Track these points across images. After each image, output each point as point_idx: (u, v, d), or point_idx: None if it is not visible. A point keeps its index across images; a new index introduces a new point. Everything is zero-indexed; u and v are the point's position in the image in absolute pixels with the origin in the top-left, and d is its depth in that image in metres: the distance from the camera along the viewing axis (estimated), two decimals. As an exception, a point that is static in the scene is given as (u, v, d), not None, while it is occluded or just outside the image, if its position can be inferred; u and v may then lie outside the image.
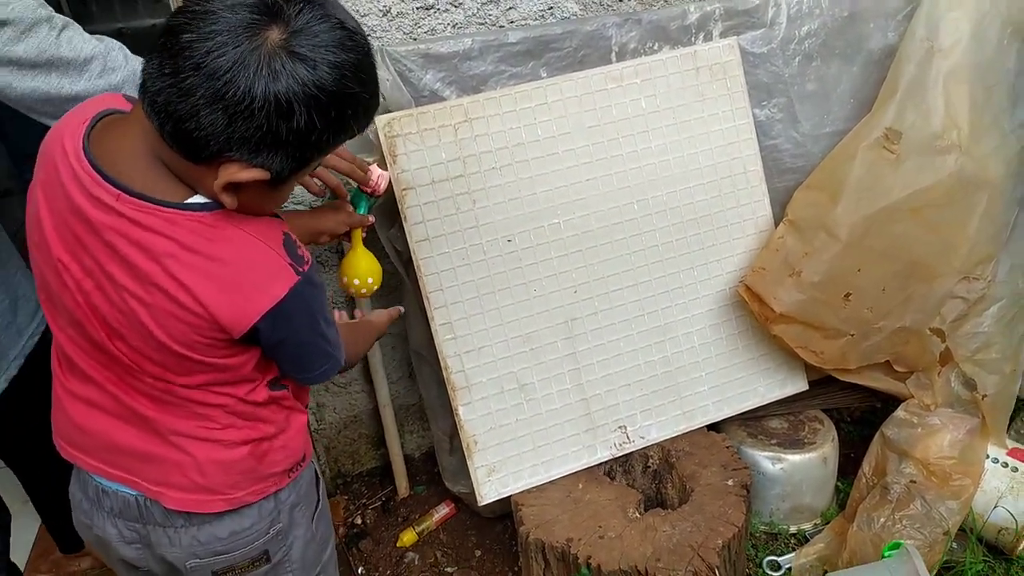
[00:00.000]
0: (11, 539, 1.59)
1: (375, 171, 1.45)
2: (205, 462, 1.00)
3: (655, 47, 1.70)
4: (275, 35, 0.78)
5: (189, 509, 1.02)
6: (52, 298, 0.96)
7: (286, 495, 1.10)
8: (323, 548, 1.20)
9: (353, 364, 1.29)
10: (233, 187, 0.84)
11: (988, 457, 1.77)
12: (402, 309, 1.46)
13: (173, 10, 0.82)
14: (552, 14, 1.78)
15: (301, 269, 0.92)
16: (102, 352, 0.95)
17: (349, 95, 0.83)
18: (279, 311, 0.90)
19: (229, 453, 1.01)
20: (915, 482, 1.74)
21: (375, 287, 1.47)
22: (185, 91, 0.77)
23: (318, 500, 1.18)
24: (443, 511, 2.02)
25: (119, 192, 0.85)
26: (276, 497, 1.08)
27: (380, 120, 1.50)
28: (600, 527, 1.55)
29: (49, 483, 1.67)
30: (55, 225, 0.90)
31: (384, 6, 1.65)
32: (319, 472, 1.20)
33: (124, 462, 1.02)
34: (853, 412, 2.20)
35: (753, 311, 1.70)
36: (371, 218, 1.46)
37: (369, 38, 1.66)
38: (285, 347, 0.97)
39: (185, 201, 0.87)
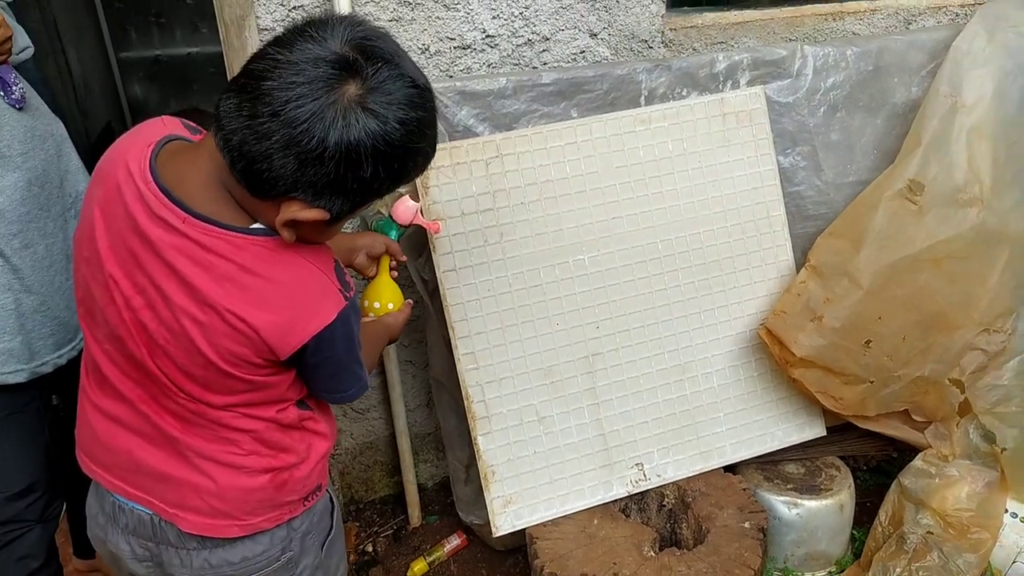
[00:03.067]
0: None
1: (406, 201, 1.49)
2: (226, 487, 1.02)
3: (684, 93, 1.75)
4: (352, 90, 0.82)
5: (204, 533, 1.03)
6: (94, 312, 0.98)
7: (300, 522, 1.11)
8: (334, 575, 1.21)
9: (370, 369, 1.31)
10: (293, 223, 0.88)
11: (1007, 511, 1.76)
12: (412, 302, 1.46)
13: (253, 53, 0.87)
14: (584, 57, 1.84)
15: (348, 295, 0.97)
16: (139, 369, 0.97)
17: (413, 149, 0.88)
18: (326, 335, 0.94)
19: (250, 480, 1.03)
20: (932, 533, 1.73)
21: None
22: (261, 135, 0.82)
23: (331, 528, 1.18)
24: (455, 542, 2.02)
25: (186, 215, 0.89)
26: (290, 524, 1.09)
27: (415, 153, 1.55)
28: (615, 564, 1.54)
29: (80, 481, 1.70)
30: (111, 242, 0.93)
31: (423, 44, 1.71)
32: (334, 499, 1.21)
33: (144, 482, 1.04)
34: (869, 460, 2.19)
35: (773, 354, 1.71)
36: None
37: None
38: (323, 367, 1.00)
39: (248, 227, 0.91)
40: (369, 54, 0.84)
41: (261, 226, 0.92)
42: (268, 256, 0.91)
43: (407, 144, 0.86)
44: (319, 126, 0.81)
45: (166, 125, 0.98)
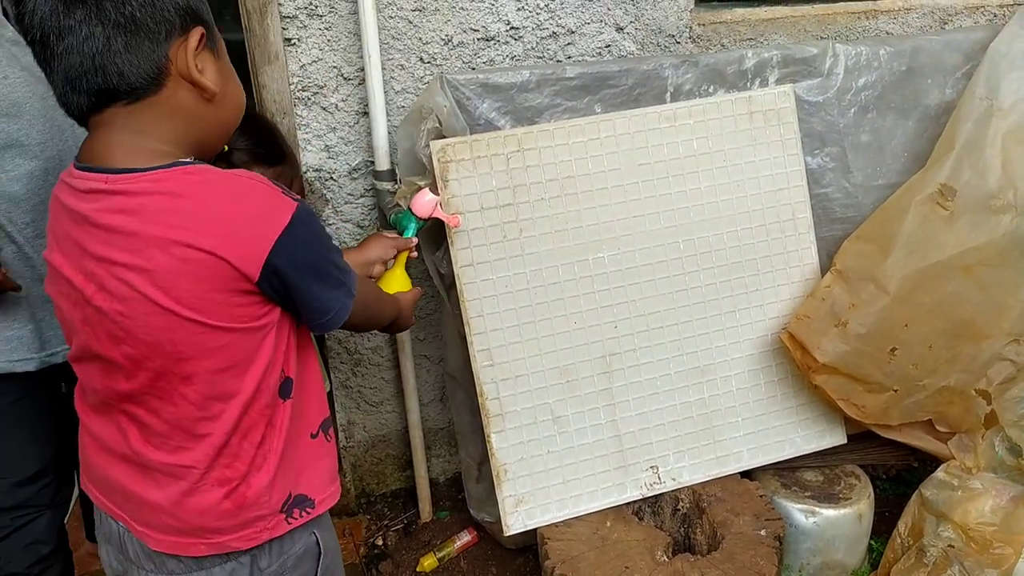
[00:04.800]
0: None
1: (426, 194, 1.47)
2: (176, 505, 0.96)
3: (710, 90, 1.71)
4: None
5: (171, 551, 0.98)
6: (70, 330, 0.96)
7: (267, 563, 1.01)
8: None
9: (369, 322, 1.22)
10: (196, 67, 0.89)
11: (1031, 527, 1.72)
12: (421, 290, 1.42)
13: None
14: (609, 52, 1.81)
15: (294, 196, 0.92)
16: (105, 369, 0.93)
17: None
18: (289, 237, 0.88)
19: (203, 498, 0.96)
20: (953, 547, 1.68)
21: None
22: (83, 57, 0.84)
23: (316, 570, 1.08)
24: (465, 538, 2.00)
25: (106, 175, 0.87)
26: (254, 562, 1.00)
27: (435, 145, 1.53)
28: (627, 568, 1.52)
29: None
30: (63, 251, 0.92)
31: (446, 35, 1.69)
32: (322, 545, 1.07)
33: (115, 497, 1.01)
34: (889, 469, 2.15)
35: (795, 359, 1.67)
36: (415, 240, 1.48)
37: (430, 65, 1.71)
38: (300, 277, 0.92)
39: (168, 163, 0.88)
40: None
41: (181, 160, 0.89)
42: (197, 179, 0.87)
43: None
44: (85, 9, 0.82)
45: None
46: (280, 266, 0.88)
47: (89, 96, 0.86)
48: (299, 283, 0.92)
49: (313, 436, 1.05)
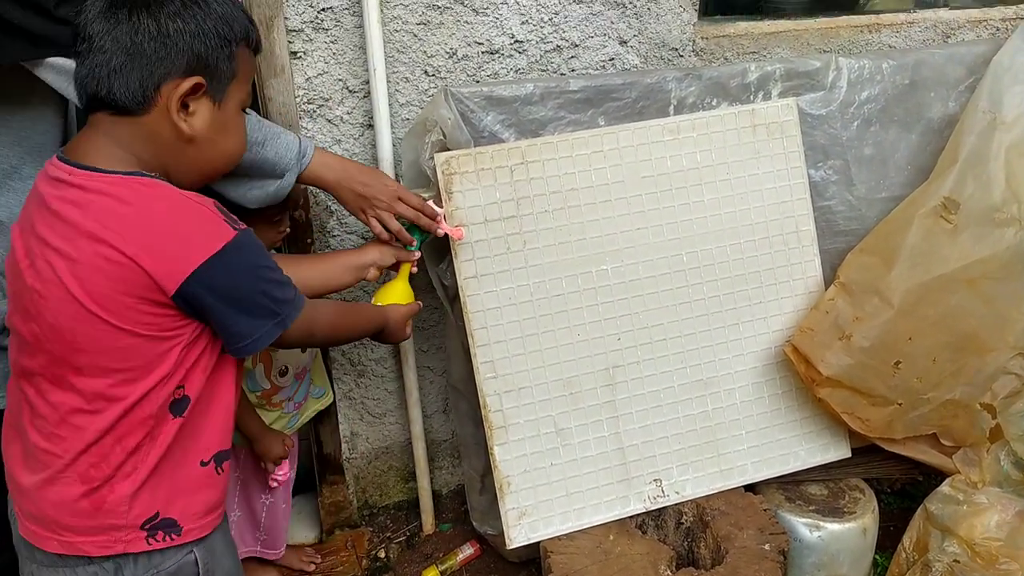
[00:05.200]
0: None
1: (437, 211, 1.48)
2: (39, 493, 0.97)
3: (713, 103, 1.72)
4: None
5: (28, 539, 0.99)
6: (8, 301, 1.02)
7: (131, 573, 0.98)
8: None
9: (336, 340, 1.34)
10: (186, 107, 0.96)
11: (1038, 542, 1.70)
12: (420, 304, 1.47)
13: None
14: (613, 65, 1.81)
15: (238, 227, 0.96)
16: (18, 343, 0.99)
17: (220, 15, 0.96)
18: (216, 263, 0.92)
19: (63, 490, 0.96)
20: (959, 562, 1.67)
21: None
22: (93, 59, 0.92)
23: None
24: (468, 551, 1.99)
25: (73, 168, 0.94)
26: (118, 567, 0.98)
27: (439, 157, 1.53)
28: (630, 582, 1.51)
29: None
30: (21, 227, 0.99)
31: (451, 48, 1.70)
32: (203, 568, 1.03)
33: (11, 480, 1.03)
34: (894, 483, 2.14)
35: (799, 372, 1.67)
36: (417, 254, 1.48)
37: (434, 78, 1.72)
38: (222, 301, 0.94)
39: (130, 170, 0.95)
40: None
41: (143, 172, 0.96)
42: (147, 191, 0.93)
43: (218, 14, 0.96)
44: (145, 19, 0.91)
45: None
46: (198, 289, 0.92)
47: (84, 97, 0.96)
48: (216, 308, 0.95)
49: (203, 464, 1.03)
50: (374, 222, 1.42)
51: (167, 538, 1.00)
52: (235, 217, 0.98)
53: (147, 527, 0.98)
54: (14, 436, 1.03)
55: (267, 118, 1.67)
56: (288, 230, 1.61)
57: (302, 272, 1.34)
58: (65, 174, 0.94)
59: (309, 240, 1.76)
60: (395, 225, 1.43)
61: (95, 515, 0.97)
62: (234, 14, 1.00)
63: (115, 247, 0.89)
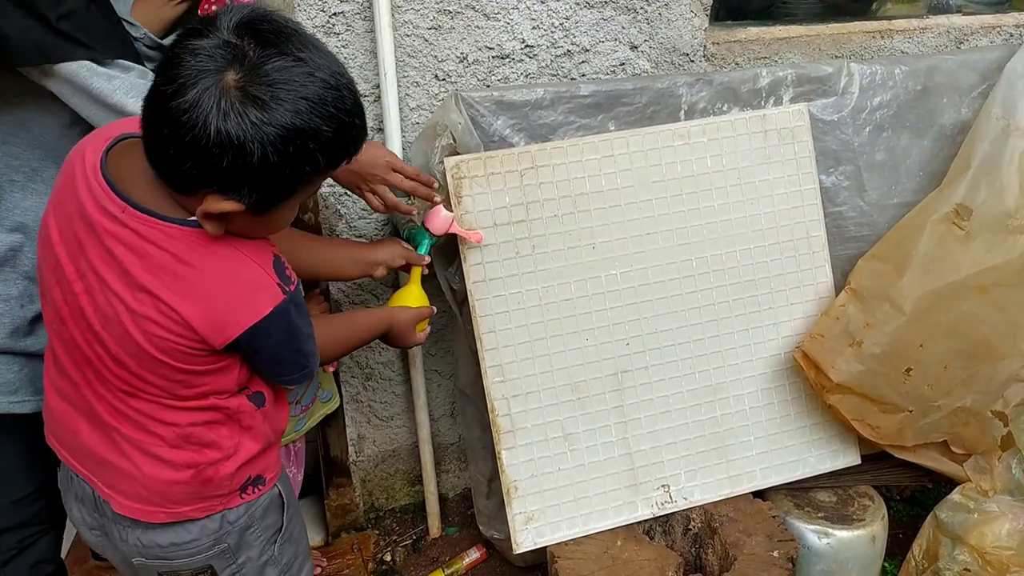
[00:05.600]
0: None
1: (440, 211, 1.48)
2: (149, 478, 1.03)
3: (725, 108, 1.71)
4: (231, 76, 0.81)
5: (133, 516, 1.05)
6: (45, 293, 1.02)
7: (236, 515, 1.10)
8: (287, 572, 1.19)
9: (330, 359, 1.35)
10: (216, 216, 0.88)
11: (1050, 552, 1.69)
12: (434, 309, 1.46)
13: None
14: (624, 70, 1.81)
15: (288, 289, 0.97)
16: (79, 352, 0.99)
17: (307, 131, 0.84)
18: (261, 327, 0.94)
19: (174, 473, 1.03)
20: (969, 570, 1.66)
21: None
22: (158, 133, 0.84)
23: (282, 525, 1.17)
24: (474, 555, 1.99)
25: (125, 205, 0.90)
26: (224, 517, 1.09)
27: (449, 162, 1.53)
28: (638, 588, 1.51)
29: None
30: (60, 227, 0.97)
31: (461, 53, 1.70)
32: (286, 496, 1.18)
33: (86, 461, 1.07)
34: (903, 490, 2.13)
35: (809, 379, 1.66)
36: (427, 258, 1.48)
37: (445, 82, 1.72)
38: (261, 355, 1.01)
39: (185, 219, 0.92)
40: (257, 38, 0.82)
41: (197, 219, 0.91)
42: (202, 247, 0.91)
43: (306, 131, 0.84)
44: (198, 115, 0.80)
45: (125, 124, 1.00)
46: (242, 346, 0.96)
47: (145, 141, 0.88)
48: (254, 359, 1.02)
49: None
50: (371, 197, 1.41)
51: (255, 490, 1.11)
52: (289, 270, 0.99)
53: (241, 488, 1.09)
54: (86, 425, 1.04)
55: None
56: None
57: (310, 253, 1.36)
58: (117, 210, 0.90)
59: (318, 243, 1.76)
60: (392, 199, 1.41)
61: (201, 491, 1.05)
62: (344, 138, 0.90)
63: (170, 306, 0.91)
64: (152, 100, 0.84)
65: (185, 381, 0.98)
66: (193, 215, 0.91)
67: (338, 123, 0.87)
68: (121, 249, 0.91)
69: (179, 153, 0.83)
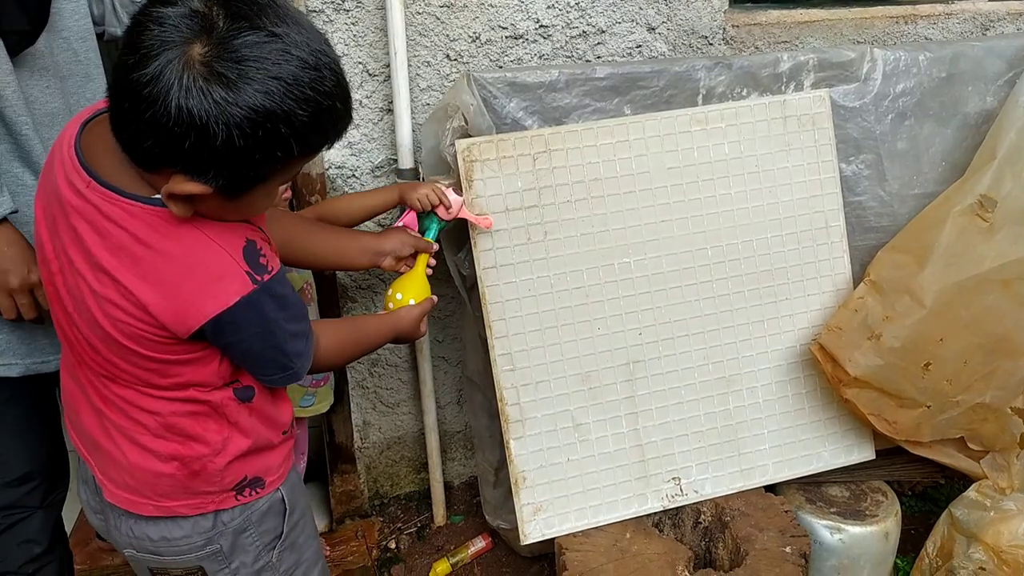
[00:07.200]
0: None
1: (450, 195, 1.44)
2: (135, 466, 0.99)
3: (744, 93, 1.67)
4: (197, 50, 0.74)
5: (122, 506, 1.02)
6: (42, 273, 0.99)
7: (230, 517, 1.05)
8: None
9: (342, 364, 1.30)
10: (178, 197, 0.82)
11: (1067, 552, 1.66)
12: (435, 298, 1.38)
13: None
14: (640, 52, 1.77)
15: (260, 278, 0.89)
16: (63, 333, 0.97)
17: (279, 114, 0.77)
18: (225, 319, 0.87)
19: (159, 464, 0.99)
20: (985, 569, 1.63)
21: None
22: (119, 106, 0.78)
23: (282, 532, 1.11)
24: (479, 544, 1.97)
25: (90, 179, 0.85)
26: (217, 516, 1.04)
27: (460, 144, 1.50)
28: (647, 582, 1.48)
29: None
30: (42, 205, 0.93)
31: (474, 33, 1.66)
32: (288, 502, 1.11)
33: (86, 444, 1.04)
34: (916, 486, 2.10)
35: (825, 372, 1.63)
36: (435, 246, 1.44)
37: (457, 63, 1.68)
38: (232, 350, 0.94)
39: (149, 196, 0.85)
40: (228, 8, 0.75)
41: (161, 198, 0.85)
42: (163, 228, 0.84)
43: (277, 114, 0.76)
44: (158, 90, 0.73)
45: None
46: (210, 336, 0.90)
47: (112, 111, 0.82)
48: (231, 356, 0.96)
49: (284, 434, 1.10)
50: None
51: (253, 492, 1.05)
52: (266, 258, 0.90)
53: (235, 488, 1.04)
54: (85, 408, 1.02)
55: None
56: (291, 193, 1.60)
57: (317, 242, 1.32)
58: (83, 184, 0.85)
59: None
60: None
61: (189, 485, 1.01)
62: (322, 122, 0.82)
63: (129, 289, 0.85)
64: (116, 70, 0.78)
65: (158, 370, 0.92)
66: (159, 193, 0.84)
67: (315, 106, 0.79)
68: (84, 226, 0.85)
69: (140, 129, 0.77)
